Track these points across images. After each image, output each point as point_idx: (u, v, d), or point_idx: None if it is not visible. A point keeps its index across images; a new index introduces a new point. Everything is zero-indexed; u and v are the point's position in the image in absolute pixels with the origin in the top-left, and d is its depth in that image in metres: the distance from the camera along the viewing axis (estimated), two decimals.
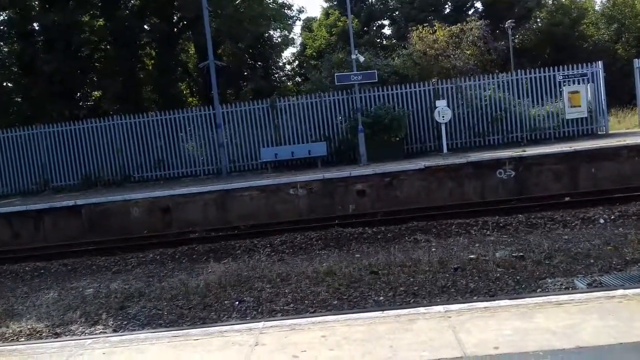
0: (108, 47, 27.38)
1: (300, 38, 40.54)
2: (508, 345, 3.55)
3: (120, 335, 6.15)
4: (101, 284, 9.12)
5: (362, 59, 18.36)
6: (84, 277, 9.80)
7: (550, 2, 39.23)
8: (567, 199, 11.68)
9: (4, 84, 26.10)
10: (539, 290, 6.76)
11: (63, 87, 23.98)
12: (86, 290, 8.82)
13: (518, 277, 7.24)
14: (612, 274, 7.02)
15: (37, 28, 25.51)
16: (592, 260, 7.59)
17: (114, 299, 8.04)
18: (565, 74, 17.96)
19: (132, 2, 27.25)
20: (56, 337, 6.77)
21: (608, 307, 4.11)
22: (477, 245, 9.08)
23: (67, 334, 6.89)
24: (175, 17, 28.44)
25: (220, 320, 6.83)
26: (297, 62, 39.89)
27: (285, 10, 31.41)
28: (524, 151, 14.03)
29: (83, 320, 7.29)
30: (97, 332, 6.86)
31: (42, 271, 10.59)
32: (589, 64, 18.15)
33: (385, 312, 4.68)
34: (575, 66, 18.10)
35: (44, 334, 6.93)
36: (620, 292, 4.57)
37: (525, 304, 4.42)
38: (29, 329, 7.11)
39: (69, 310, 7.70)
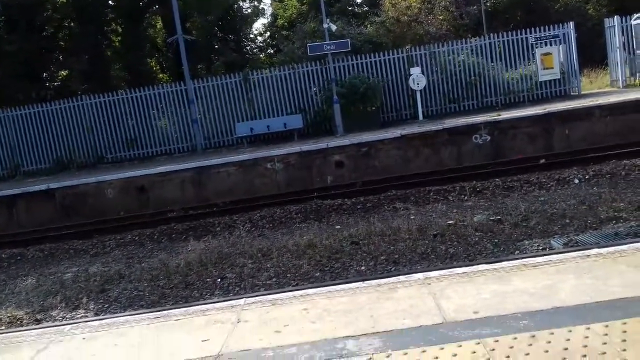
0: (72, 24, 26.50)
1: (270, 8, 39.76)
2: (487, 309, 3.59)
3: (101, 319, 6.08)
4: (80, 267, 9.01)
5: (334, 28, 18.11)
6: (62, 262, 9.67)
7: None
8: (542, 161, 11.81)
9: None
10: (517, 252, 6.87)
11: (28, 68, 23.22)
12: (65, 274, 8.71)
13: (496, 240, 7.34)
14: (588, 233, 7.16)
15: None
16: (567, 221, 7.72)
17: (93, 283, 7.96)
18: (537, 36, 17.97)
19: None
20: (37, 324, 6.69)
21: (584, 266, 4.18)
22: (455, 211, 9.16)
23: (48, 319, 6.82)
24: None
25: (202, 298, 6.81)
26: (268, 33, 39.24)
27: None
28: (499, 115, 14.10)
29: (63, 305, 7.22)
30: (78, 316, 6.80)
31: (19, 257, 10.41)
32: (560, 25, 18.19)
33: (366, 282, 4.70)
34: (546, 28, 18.12)
35: (24, 321, 6.85)
36: (595, 251, 4.65)
37: (503, 267, 4.48)
38: (8, 316, 7.02)
39: (49, 296, 7.61)
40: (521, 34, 18.11)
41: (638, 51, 17.99)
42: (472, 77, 17.85)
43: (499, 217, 8.25)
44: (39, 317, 6.94)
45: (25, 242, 11.22)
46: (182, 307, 5.80)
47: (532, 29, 18.19)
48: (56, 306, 7.21)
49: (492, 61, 18.07)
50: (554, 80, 17.91)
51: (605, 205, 8.16)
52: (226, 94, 18.32)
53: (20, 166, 18.58)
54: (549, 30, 18.06)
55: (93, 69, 24.97)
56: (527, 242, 7.19)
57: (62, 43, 26.35)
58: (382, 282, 4.60)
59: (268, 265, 7.58)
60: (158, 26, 30.55)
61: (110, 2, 27.05)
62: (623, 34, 18.03)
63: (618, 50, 18.07)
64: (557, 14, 31.28)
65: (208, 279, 7.40)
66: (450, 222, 8.36)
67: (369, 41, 20.99)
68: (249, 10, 33.57)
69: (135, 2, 26.88)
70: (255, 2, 33.64)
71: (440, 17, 25.13)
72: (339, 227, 9.22)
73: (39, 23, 24.21)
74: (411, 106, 17.90)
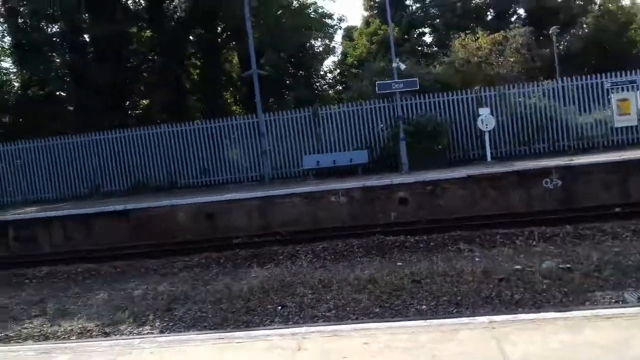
0: (155, 57, 28.21)
1: (341, 47, 40.75)
2: (555, 359, 3.49)
3: (167, 336, 6.34)
4: (148, 285, 9.38)
5: (403, 67, 18.33)
6: (132, 279, 10.11)
7: (596, 8, 38.18)
8: (617, 209, 11.33)
9: (57, 93, 27.20)
10: (587, 303, 6.59)
11: (113, 97, 24.85)
12: (134, 291, 9.10)
13: (565, 290, 7.06)
14: None
15: (87, 40, 26.52)
16: None
17: (160, 301, 8.27)
18: (614, 81, 17.46)
19: (178, 14, 28.02)
20: (105, 336, 7.02)
21: None
22: (522, 256, 8.91)
23: (116, 333, 7.13)
24: (219, 28, 29.09)
25: (262, 324, 6.93)
26: (338, 70, 40.07)
27: (326, 20, 31.68)
28: (572, 160, 13.69)
29: (131, 320, 7.53)
30: (144, 332, 7.07)
31: (93, 273, 10.97)
32: (638, 70, 17.59)
33: (428, 321, 4.67)
34: (623, 73, 17.57)
35: (94, 333, 7.19)
36: None
37: (573, 317, 4.34)
38: (79, 327, 7.39)
39: (118, 311, 7.96)
40: (596, 79, 17.66)
41: None
42: (544, 120, 17.49)
43: (568, 266, 7.95)
44: (107, 330, 7.27)
45: (100, 258, 11.83)
46: (244, 331, 5.97)
47: (608, 73, 17.69)
48: (125, 321, 7.53)
49: (565, 105, 17.67)
50: (631, 127, 17.24)
51: None
52: (295, 128, 18.82)
53: (99, 187, 19.72)
54: (626, 75, 17.51)
55: (172, 100, 26.38)
56: (598, 293, 6.88)
57: (145, 74, 28.02)
58: (445, 322, 4.56)
59: (328, 297, 7.62)
60: (234, 61, 31.94)
61: (191, 37, 28.62)
62: None
63: None
64: (635, 59, 30.25)
65: (269, 306, 7.53)
66: (517, 267, 8.13)
67: (437, 81, 21.09)
68: (321, 49, 34.54)
69: (214, 38, 28.33)
70: (327, 41, 34.57)
71: (512, 59, 24.88)
72: (400, 264, 9.17)
73: (124, 55, 25.94)
74: (479, 147, 17.70)
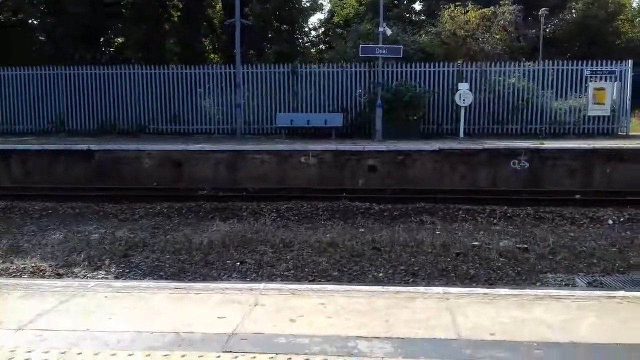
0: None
1: (329, 4, 39.90)
2: (503, 332, 3.57)
3: (124, 281, 6.29)
4: (107, 230, 9.25)
5: (389, 32, 18.08)
6: (90, 222, 9.94)
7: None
8: (577, 196, 11.58)
9: (29, 21, 26.01)
10: (539, 284, 6.77)
11: (87, 30, 23.86)
12: (92, 235, 8.96)
13: (519, 269, 7.24)
14: (614, 275, 7.00)
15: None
16: (595, 260, 7.56)
17: (118, 246, 8.17)
18: (593, 69, 17.60)
19: None
20: (59, 277, 6.91)
21: (608, 307, 4.11)
22: (482, 232, 9.07)
23: (69, 275, 7.03)
24: None
25: (220, 279, 6.92)
26: (323, 29, 39.38)
27: None
28: (542, 143, 13.87)
29: (86, 263, 7.42)
30: (99, 276, 6.99)
31: (51, 212, 10.75)
32: (618, 61, 17.76)
33: (385, 287, 4.72)
34: (604, 62, 17.72)
35: (46, 273, 7.07)
36: (621, 293, 4.57)
37: (525, 295, 4.44)
38: (32, 266, 7.26)
39: (73, 253, 7.84)
40: (577, 65, 17.77)
41: None
42: (520, 102, 17.60)
43: (525, 246, 8.14)
44: (61, 271, 7.16)
45: (59, 197, 11.57)
46: (202, 282, 5.94)
47: (589, 61, 17.81)
48: (79, 263, 7.43)
49: (542, 88, 17.78)
50: (603, 117, 17.52)
51: (636, 251, 7.96)
52: (272, 83, 18.51)
53: (65, 124, 19.16)
54: (606, 65, 17.66)
55: (149, 40, 25.51)
56: (550, 275, 7.06)
57: (123, 10, 26.96)
58: (401, 290, 4.62)
59: (288, 257, 7.66)
60: (217, 7, 30.98)
61: None
62: None
63: None
64: (617, 50, 30.54)
65: (228, 261, 7.52)
66: (475, 243, 8.28)
67: (422, 50, 20.88)
68: (308, 4, 33.76)
69: None
70: None
71: (497, 37, 24.78)
72: (363, 230, 9.24)
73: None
74: (453, 121, 17.77)
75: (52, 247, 8.20)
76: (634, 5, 38.35)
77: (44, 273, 7.07)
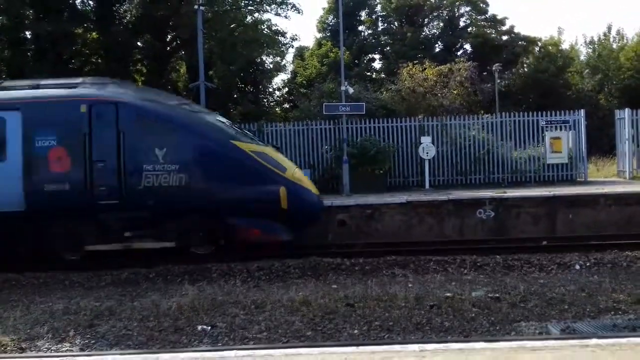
0: (99, 60, 27.34)
1: (291, 65, 40.97)
2: None
3: (88, 355, 6.04)
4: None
5: (351, 90, 18.63)
6: None
7: (537, 49, 40.31)
8: (544, 242, 11.81)
9: None
10: (512, 333, 6.77)
11: None
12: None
13: (493, 319, 7.25)
14: (586, 321, 7.08)
15: (29, 37, 25.44)
16: (566, 306, 7.65)
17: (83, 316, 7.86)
18: (548, 119, 18.37)
19: (128, 18, 27.36)
20: (21, 352, 6.60)
21: (582, 356, 4.15)
22: (454, 283, 9.10)
23: (32, 349, 6.72)
24: (169, 36, 28.59)
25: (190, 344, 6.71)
26: (287, 88, 40.22)
27: (279, 37, 31.76)
28: (505, 192, 14.21)
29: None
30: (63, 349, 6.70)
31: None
32: (571, 111, 18.61)
33: (360, 347, 4.66)
34: (558, 113, 18.53)
35: (8, 348, 6.74)
36: (594, 341, 4.62)
37: (500, 348, 4.45)
38: None
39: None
40: (533, 116, 18.53)
41: None
42: (481, 152, 18.12)
43: (497, 295, 8.19)
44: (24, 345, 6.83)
45: None
46: (171, 352, 5.74)
47: (544, 112, 18.62)
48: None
49: (502, 139, 18.40)
50: (562, 164, 18.16)
51: (604, 295, 8.08)
52: None
53: None
54: (561, 115, 18.46)
55: None
56: (523, 323, 7.09)
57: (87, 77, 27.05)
58: (377, 349, 4.57)
59: (260, 318, 7.51)
60: (182, 71, 31.45)
61: (139, 43, 27.96)
62: (633, 127, 18.38)
63: (627, 142, 18.38)
64: (569, 101, 32.07)
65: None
66: (448, 294, 8.29)
67: (384, 107, 21.51)
68: (271, 65, 34.54)
69: (163, 46, 27.78)
70: (278, 58, 34.63)
71: (455, 92, 25.76)
72: (335, 286, 9.17)
73: (67, 56, 24.99)
74: (419, 174, 18.11)
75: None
76: (582, 58, 40.58)
77: (5, 348, 6.74)
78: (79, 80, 12.29)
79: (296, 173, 11.69)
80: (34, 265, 11.04)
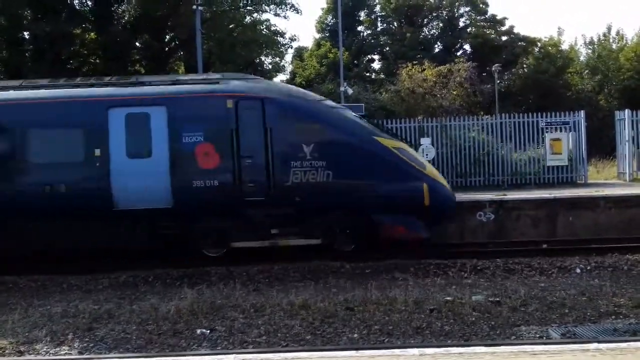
0: (97, 61, 27.35)
1: (290, 66, 41.01)
2: None
3: (87, 359, 6.01)
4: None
5: (350, 91, 18.65)
6: None
7: (536, 49, 40.34)
8: (544, 246, 11.78)
9: None
10: (513, 337, 6.75)
11: None
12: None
13: (493, 323, 7.23)
14: (586, 325, 7.06)
15: (27, 37, 25.44)
16: (566, 310, 7.63)
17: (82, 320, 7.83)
18: (548, 121, 18.30)
19: (126, 18, 27.37)
20: (19, 355, 6.58)
21: None
22: (454, 287, 9.07)
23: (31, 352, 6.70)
24: (168, 37, 28.62)
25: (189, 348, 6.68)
26: None
27: (278, 38, 31.80)
28: (505, 195, 14.18)
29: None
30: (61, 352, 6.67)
31: None
32: (571, 112, 18.57)
33: (360, 352, 4.64)
34: (558, 114, 18.48)
35: (7, 351, 6.72)
36: (594, 345, 4.60)
37: (501, 352, 4.42)
38: None
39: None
40: (532, 117, 18.47)
41: None
42: (481, 154, 18.07)
43: (497, 299, 8.16)
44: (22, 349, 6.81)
45: None
46: (170, 356, 5.71)
47: (544, 113, 18.57)
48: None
49: (502, 140, 18.35)
50: (562, 166, 18.08)
51: (605, 299, 8.06)
52: None
53: None
54: (560, 116, 18.41)
55: None
56: (524, 327, 7.09)
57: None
58: (376, 353, 4.55)
59: (259, 322, 7.49)
60: (180, 71, 31.42)
61: (137, 43, 27.96)
62: (633, 128, 18.33)
63: (627, 143, 18.32)
64: (569, 101, 32.06)
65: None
66: (448, 298, 8.26)
67: (383, 108, 21.53)
68: (270, 66, 34.59)
69: (162, 47, 27.80)
70: (277, 59, 34.67)
71: (454, 92, 25.76)
72: (335, 290, 9.15)
73: (65, 56, 24.98)
74: None
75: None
76: (582, 59, 40.62)
77: (4, 351, 6.71)
78: (217, 75, 12.26)
79: (432, 169, 11.72)
80: (32, 268, 11.01)
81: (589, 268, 10.08)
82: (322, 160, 10.56)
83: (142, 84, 11.62)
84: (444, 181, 11.76)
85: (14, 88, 11.45)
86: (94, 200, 10.46)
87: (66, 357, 6.44)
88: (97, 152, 10.56)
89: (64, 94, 11.01)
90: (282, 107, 10.86)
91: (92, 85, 11.50)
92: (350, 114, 11.78)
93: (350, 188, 10.76)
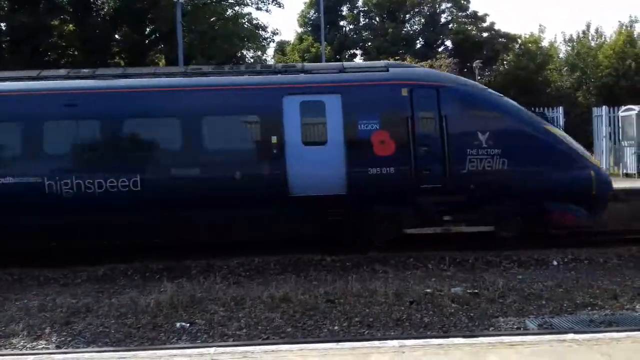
0: (76, 53, 26.91)
1: (272, 60, 40.78)
2: None
3: (64, 353, 5.93)
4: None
5: None
6: None
7: (517, 46, 40.71)
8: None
9: None
10: (491, 328, 6.83)
11: None
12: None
13: (472, 314, 7.31)
14: (563, 316, 7.17)
15: (4, 29, 24.93)
16: (544, 302, 7.75)
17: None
18: None
19: (106, 10, 26.96)
20: None
21: (559, 351, 4.19)
22: (433, 279, 9.14)
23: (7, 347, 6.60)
24: (148, 29, 28.26)
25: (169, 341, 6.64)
26: None
27: (260, 32, 31.62)
28: None
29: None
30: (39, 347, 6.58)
31: None
32: (550, 108, 18.79)
33: (340, 343, 4.65)
34: (537, 110, 18.67)
35: None
36: (571, 336, 4.68)
37: (479, 343, 4.48)
38: None
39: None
40: None
41: (623, 142, 18.57)
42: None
43: (476, 291, 8.25)
44: None
45: None
46: (149, 350, 5.66)
47: None
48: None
49: None
50: None
51: (581, 291, 8.21)
52: None
53: None
54: (538, 112, 18.59)
55: None
56: (502, 319, 7.18)
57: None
58: (357, 345, 4.57)
59: (240, 315, 7.47)
60: (161, 64, 31.07)
61: (117, 35, 27.58)
62: (610, 124, 18.64)
63: (604, 139, 18.64)
64: (548, 97, 32.43)
65: None
66: (427, 290, 8.33)
67: None
68: (252, 60, 34.37)
69: (142, 39, 27.46)
70: (259, 53, 34.48)
71: None
72: (316, 282, 9.15)
73: (42, 48, 24.53)
74: None
75: None
76: (561, 55, 41.10)
77: None
78: (382, 63, 12.16)
79: (593, 157, 11.76)
80: (6, 261, 10.82)
81: (565, 260, 10.23)
82: (498, 148, 10.63)
83: (306, 71, 11.55)
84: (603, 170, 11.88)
85: (198, 75, 11.48)
86: (270, 187, 10.54)
87: (43, 351, 6.34)
88: (274, 139, 10.59)
89: (241, 82, 11.09)
90: (457, 95, 10.93)
91: (259, 73, 11.53)
92: (515, 103, 11.90)
93: (525, 176, 10.78)
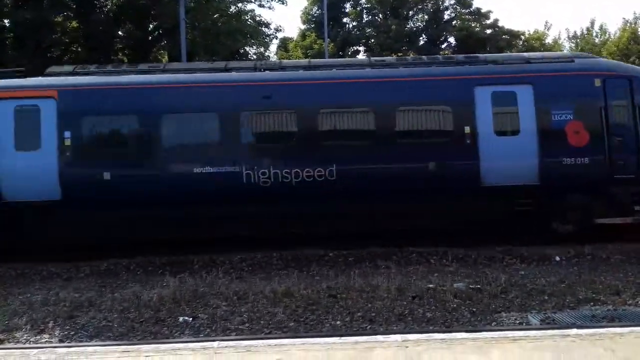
0: (79, 49, 26.90)
1: (275, 57, 40.71)
2: None
3: (68, 347, 5.94)
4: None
5: None
6: None
7: (520, 43, 40.57)
8: None
9: None
10: (493, 323, 6.83)
11: None
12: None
13: (474, 309, 7.31)
14: (565, 311, 7.17)
15: (7, 25, 24.92)
16: (546, 297, 7.74)
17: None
18: None
19: (109, 6, 26.95)
20: None
21: (562, 346, 4.18)
22: (435, 274, 9.14)
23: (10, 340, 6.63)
24: (151, 26, 28.24)
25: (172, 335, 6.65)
26: None
27: (263, 28, 31.55)
28: None
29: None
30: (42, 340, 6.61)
31: None
32: None
33: (343, 338, 4.65)
34: None
35: None
36: (574, 331, 4.66)
37: (482, 338, 4.47)
38: None
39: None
40: None
41: None
42: None
43: (478, 286, 8.24)
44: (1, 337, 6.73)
45: None
46: (153, 344, 5.67)
47: None
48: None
49: None
50: None
51: (584, 286, 8.19)
52: None
53: None
54: None
55: None
56: (504, 314, 7.17)
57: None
58: (360, 340, 4.56)
59: (242, 310, 7.48)
60: (164, 60, 31.08)
61: (120, 32, 27.56)
62: None
63: None
64: None
65: None
66: (430, 285, 8.32)
67: None
68: (255, 56, 34.29)
69: (145, 36, 27.43)
70: (262, 49, 34.39)
71: None
72: (318, 277, 9.16)
73: (46, 44, 24.54)
74: None
75: None
76: (565, 51, 40.95)
77: None
78: (568, 54, 12.34)
79: None
80: (10, 256, 10.86)
81: (568, 256, 10.21)
82: None
83: (496, 62, 11.61)
84: None
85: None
86: (462, 177, 10.66)
87: (47, 345, 6.36)
88: (466, 129, 10.72)
89: (434, 72, 11.28)
90: None
91: (443, 64, 11.68)
92: None
93: None
